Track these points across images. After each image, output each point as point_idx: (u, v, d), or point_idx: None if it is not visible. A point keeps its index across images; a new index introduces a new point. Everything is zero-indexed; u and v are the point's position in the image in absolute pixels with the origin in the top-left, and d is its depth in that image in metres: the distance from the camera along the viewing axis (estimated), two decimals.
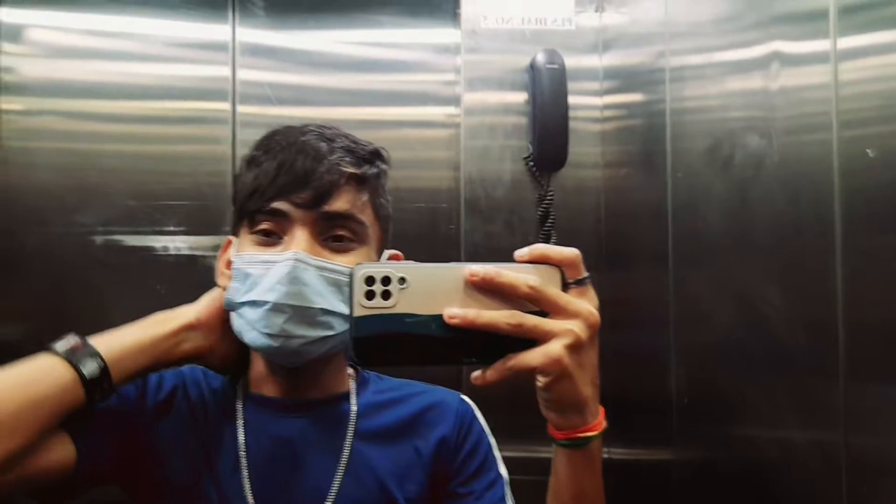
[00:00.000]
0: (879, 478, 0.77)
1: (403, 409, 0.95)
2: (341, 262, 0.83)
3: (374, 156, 0.90)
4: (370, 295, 0.60)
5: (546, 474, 0.75)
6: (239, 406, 0.91)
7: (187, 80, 1.49)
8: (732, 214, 1.02)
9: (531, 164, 1.53)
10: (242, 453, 0.88)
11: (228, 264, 0.89)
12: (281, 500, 0.86)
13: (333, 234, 0.85)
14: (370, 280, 0.61)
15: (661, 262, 1.25)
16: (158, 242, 1.46)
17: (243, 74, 1.51)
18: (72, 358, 0.76)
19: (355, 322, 0.60)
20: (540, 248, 0.63)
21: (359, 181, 0.87)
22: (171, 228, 1.46)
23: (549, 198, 1.53)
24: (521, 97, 1.55)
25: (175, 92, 1.49)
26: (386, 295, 0.60)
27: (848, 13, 0.79)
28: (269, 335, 0.81)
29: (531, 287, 0.61)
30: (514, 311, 0.61)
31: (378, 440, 0.91)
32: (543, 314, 0.62)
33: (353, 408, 0.93)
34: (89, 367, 0.76)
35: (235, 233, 0.89)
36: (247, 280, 0.83)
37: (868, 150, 0.75)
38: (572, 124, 1.54)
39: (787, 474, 0.94)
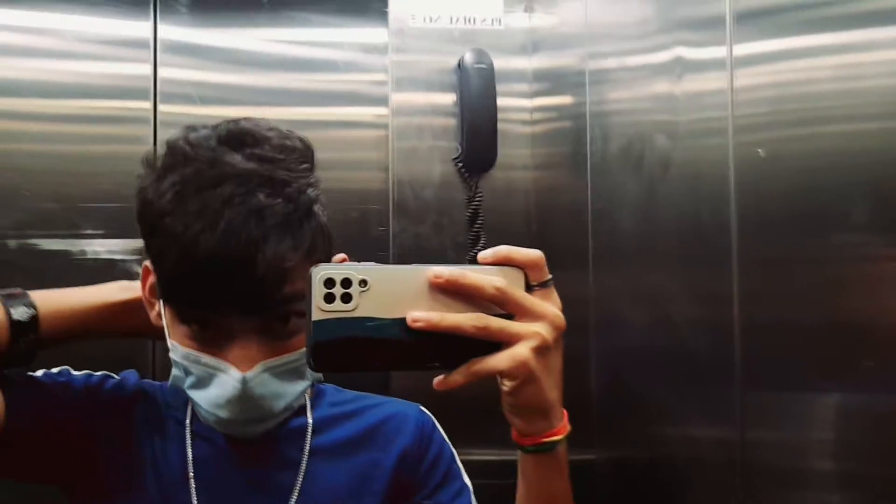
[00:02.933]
0: (770, 473, 0.80)
1: (360, 421, 0.93)
2: (293, 347, 0.78)
3: (311, 202, 0.77)
4: (329, 298, 0.58)
5: (508, 478, 0.75)
6: (188, 420, 0.88)
7: (106, 77, 1.47)
8: (643, 216, 1.06)
9: (460, 164, 1.55)
10: (191, 469, 0.86)
11: (152, 292, 0.83)
12: None
13: (280, 318, 0.77)
14: (329, 282, 0.59)
15: (583, 264, 1.28)
16: (76, 246, 1.44)
17: (165, 73, 1.49)
18: (5, 301, 0.79)
19: (314, 326, 0.59)
20: (504, 250, 0.63)
21: (305, 254, 0.76)
22: (90, 232, 1.44)
23: (477, 199, 1.55)
24: (450, 98, 1.56)
25: (93, 90, 1.46)
26: (346, 298, 0.59)
27: (743, 20, 0.83)
28: (227, 433, 0.82)
29: (497, 289, 0.60)
30: (479, 314, 0.60)
31: (334, 455, 0.90)
32: (508, 317, 0.61)
33: (309, 422, 0.91)
34: (18, 312, 0.79)
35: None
36: (189, 376, 0.79)
37: (759, 150, 0.78)
38: (502, 126, 1.56)
39: (695, 471, 0.98)
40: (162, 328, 0.81)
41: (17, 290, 0.82)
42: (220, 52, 1.53)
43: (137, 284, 0.87)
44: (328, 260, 0.82)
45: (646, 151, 1.03)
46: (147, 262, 0.84)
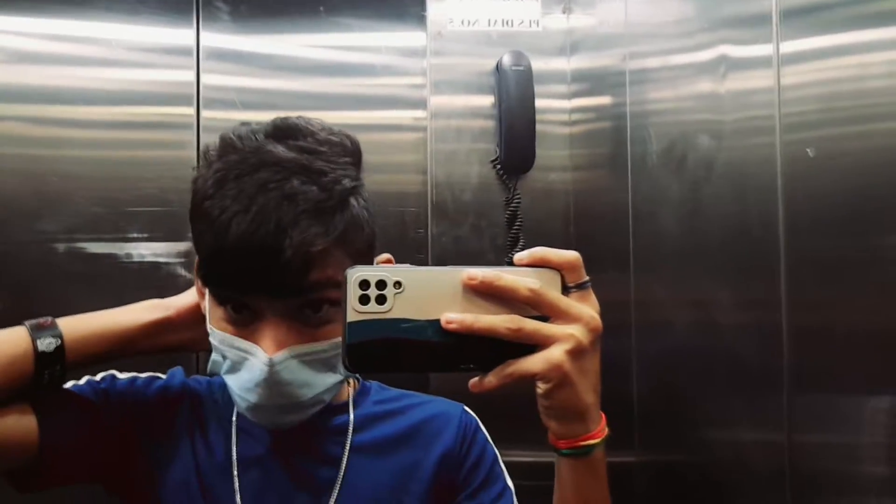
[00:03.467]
0: (818, 478, 0.78)
1: (403, 420, 0.93)
2: (323, 337, 0.78)
3: (347, 193, 0.77)
4: (364, 299, 0.59)
5: (544, 479, 0.74)
6: (234, 417, 0.89)
7: (150, 84, 1.50)
8: (687, 218, 1.04)
9: (498, 167, 1.55)
10: (235, 465, 0.87)
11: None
12: None
13: (311, 305, 0.77)
14: (365, 284, 0.59)
15: (623, 266, 1.26)
16: (122, 250, 1.46)
17: (207, 79, 1.51)
18: (33, 332, 0.80)
19: (349, 328, 0.59)
20: (540, 252, 0.62)
21: (338, 238, 0.76)
22: (135, 235, 1.47)
23: (516, 201, 1.54)
24: (488, 100, 1.56)
25: (138, 97, 1.49)
26: (381, 299, 0.59)
27: (790, 17, 0.81)
28: (258, 421, 0.81)
29: (531, 290, 0.60)
30: (513, 316, 0.60)
31: (376, 452, 0.90)
32: (544, 319, 0.61)
33: (351, 419, 0.91)
34: (45, 343, 0.80)
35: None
36: (225, 360, 0.80)
37: (808, 150, 0.76)
38: (540, 127, 1.55)
39: (739, 475, 0.96)
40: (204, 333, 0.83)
41: (47, 320, 0.82)
42: (262, 58, 1.54)
43: (168, 302, 0.88)
44: (368, 254, 0.82)
45: (689, 152, 1.02)
46: None
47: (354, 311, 0.59)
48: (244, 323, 0.77)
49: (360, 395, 0.95)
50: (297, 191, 0.74)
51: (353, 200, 0.78)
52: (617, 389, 1.25)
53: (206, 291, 0.82)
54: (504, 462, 0.96)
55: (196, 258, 0.83)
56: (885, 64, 0.71)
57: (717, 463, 1.01)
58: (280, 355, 0.75)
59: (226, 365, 0.80)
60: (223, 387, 0.89)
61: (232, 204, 0.74)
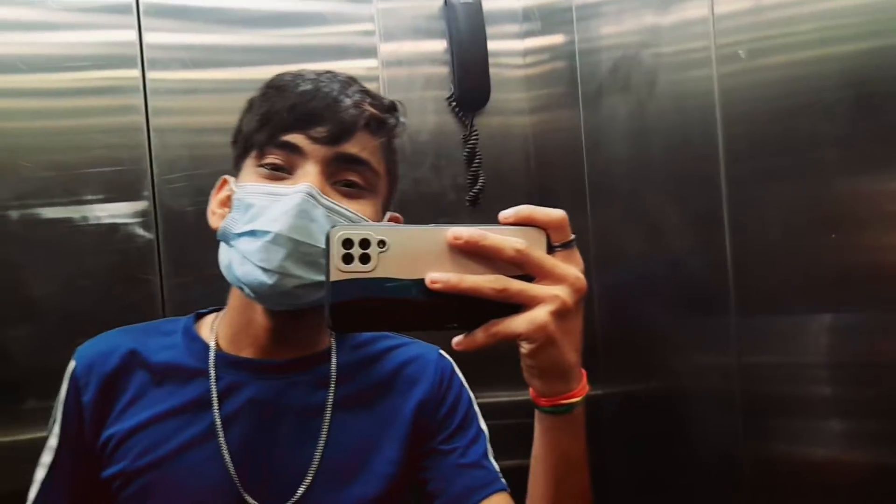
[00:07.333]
0: (767, 399, 0.84)
1: (382, 366, 0.96)
2: (352, 209, 0.84)
3: (393, 107, 0.91)
4: (348, 258, 0.60)
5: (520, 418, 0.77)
6: (212, 370, 0.90)
7: (92, 47, 1.48)
8: (634, 140, 1.07)
9: (454, 103, 1.57)
10: (218, 420, 0.88)
11: (223, 203, 0.90)
12: (262, 467, 0.87)
13: (345, 178, 0.85)
14: (348, 243, 0.60)
15: (581, 200, 1.30)
16: (77, 213, 1.47)
17: (151, 38, 1.50)
18: None
19: (332, 287, 0.60)
20: (526, 210, 0.63)
21: (378, 126, 0.87)
22: (89, 197, 1.47)
23: (474, 138, 1.58)
24: (439, 45, 1.58)
25: (81, 61, 1.47)
26: (364, 259, 0.60)
27: None
28: (265, 270, 0.80)
29: (517, 250, 0.60)
30: (498, 276, 0.60)
31: (358, 403, 0.92)
32: (528, 278, 0.61)
33: (333, 369, 0.93)
34: None
35: (237, 166, 0.90)
36: (248, 210, 0.82)
37: (740, 52, 0.80)
38: (496, 70, 1.57)
39: (698, 401, 1.01)
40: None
41: None
42: (205, 12, 1.53)
43: None
44: (391, 188, 0.91)
45: (632, 71, 1.05)
46: (225, 176, 0.92)
47: (338, 271, 0.60)
48: (280, 178, 0.84)
49: (339, 340, 0.96)
50: (352, 80, 0.90)
51: (399, 115, 0.91)
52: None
53: (235, 178, 0.89)
54: (482, 403, 0.99)
55: (221, 179, 0.92)
56: None
57: (678, 390, 1.07)
58: (317, 190, 0.81)
59: (247, 216, 0.82)
60: (191, 337, 0.93)
61: (296, 83, 0.87)
